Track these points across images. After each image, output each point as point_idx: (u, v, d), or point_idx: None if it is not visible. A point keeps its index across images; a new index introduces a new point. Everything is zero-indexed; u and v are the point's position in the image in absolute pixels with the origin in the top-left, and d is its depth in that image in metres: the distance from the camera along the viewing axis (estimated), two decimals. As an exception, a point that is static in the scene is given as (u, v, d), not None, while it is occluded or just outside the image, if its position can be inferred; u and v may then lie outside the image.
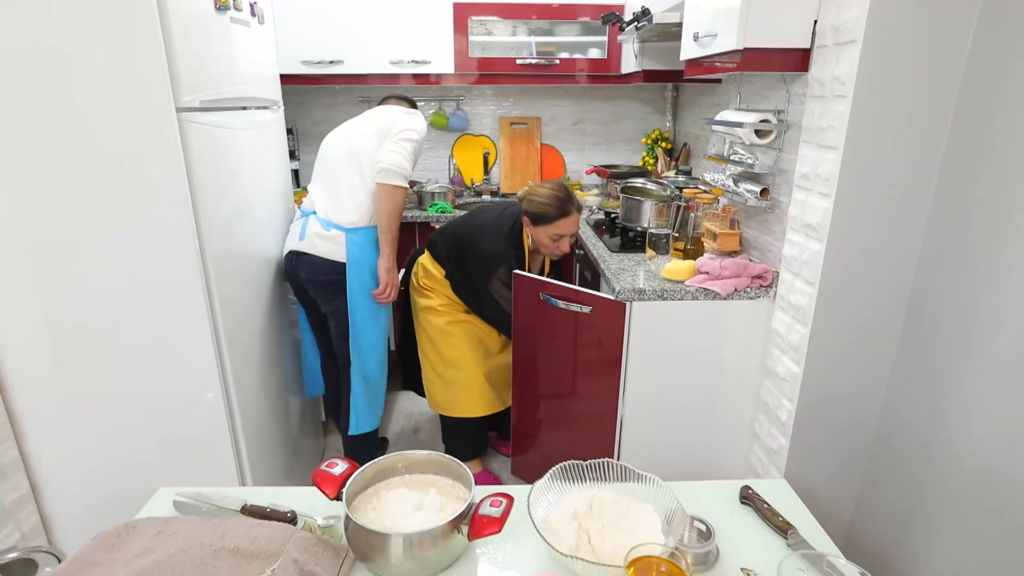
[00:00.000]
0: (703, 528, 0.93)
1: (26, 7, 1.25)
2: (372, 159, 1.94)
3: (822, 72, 1.39)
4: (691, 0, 1.75)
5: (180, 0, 1.34)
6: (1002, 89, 1.16)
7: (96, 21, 1.28)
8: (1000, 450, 1.17)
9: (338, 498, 0.90)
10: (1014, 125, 1.13)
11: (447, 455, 1.00)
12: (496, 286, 1.97)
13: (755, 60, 1.45)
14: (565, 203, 1.88)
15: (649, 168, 3.04)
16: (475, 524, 0.86)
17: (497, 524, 0.85)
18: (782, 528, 0.96)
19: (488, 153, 3.24)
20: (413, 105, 2.23)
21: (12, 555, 1.20)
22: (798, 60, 1.45)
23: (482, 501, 0.89)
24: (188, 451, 1.62)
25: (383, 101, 2.22)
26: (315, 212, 1.99)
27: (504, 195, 3.16)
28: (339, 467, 0.95)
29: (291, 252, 1.97)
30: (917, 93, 1.27)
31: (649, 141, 3.15)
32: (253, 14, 1.78)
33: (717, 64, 1.62)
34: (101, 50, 1.29)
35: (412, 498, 0.94)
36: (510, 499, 0.89)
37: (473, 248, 1.98)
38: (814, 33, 1.42)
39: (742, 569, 0.89)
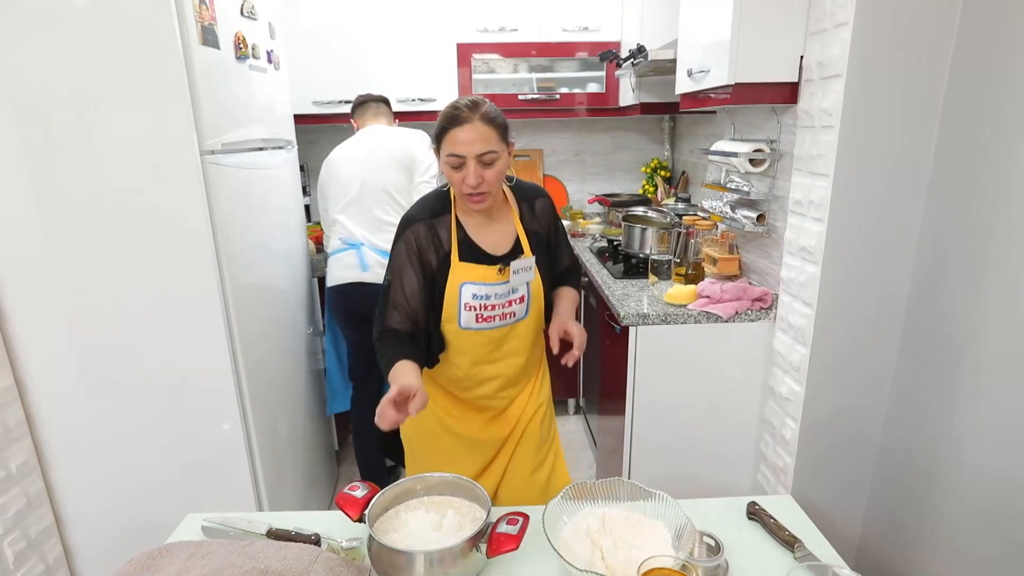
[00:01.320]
0: (712, 543, 0.96)
1: (61, 58, 1.35)
2: (405, 192, 2.11)
3: (810, 104, 1.46)
4: (684, 38, 1.84)
5: (203, 52, 1.44)
6: (979, 114, 1.23)
7: (128, 76, 1.38)
8: (1000, 460, 1.20)
9: (360, 520, 0.94)
10: (993, 145, 1.20)
11: (464, 477, 1.04)
12: (390, 289, 1.30)
13: (746, 94, 1.53)
14: (454, 108, 1.22)
15: (649, 196, 3.12)
16: (493, 542, 0.89)
17: (514, 541, 0.88)
18: (789, 542, 0.99)
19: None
20: (388, 104, 2.32)
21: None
22: (787, 93, 1.53)
23: (499, 520, 0.93)
24: (207, 480, 1.66)
25: (361, 103, 2.28)
26: (363, 243, 2.08)
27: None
28: (361, 490, 0.99)
29: (354, 283, 2.05)
30: (901, 121, 1.34)
31: (648, 170, 3.23)
32: (270, 61, 1.88)
33: (711, 96, 1.70)
34: (131, 100, 1.39)
35: (431, 519, 0.98)
36: (526, 517, 0.93)
37: None
38: (801, 68, 1.50)
39: (751, 582, 0.92)
